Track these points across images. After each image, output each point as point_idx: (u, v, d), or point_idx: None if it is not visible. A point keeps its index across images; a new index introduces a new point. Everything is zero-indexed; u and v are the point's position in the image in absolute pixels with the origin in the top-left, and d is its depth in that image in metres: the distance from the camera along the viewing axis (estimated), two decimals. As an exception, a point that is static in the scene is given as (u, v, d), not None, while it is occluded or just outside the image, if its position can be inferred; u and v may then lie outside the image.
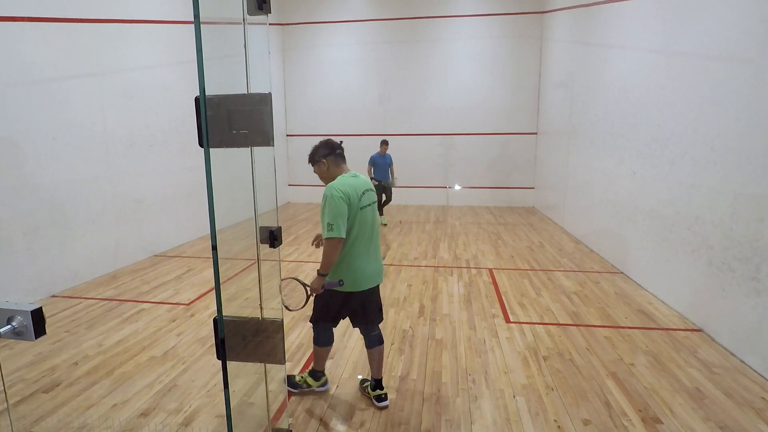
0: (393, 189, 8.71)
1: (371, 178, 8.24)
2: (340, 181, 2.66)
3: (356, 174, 2.79)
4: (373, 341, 2.92)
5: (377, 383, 2.95)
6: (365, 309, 2.83)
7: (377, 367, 2.95)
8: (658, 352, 3.61)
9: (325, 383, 3.12)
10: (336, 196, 2.56)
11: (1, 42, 4.35)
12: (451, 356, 3.58)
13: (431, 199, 10.80)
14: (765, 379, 3.22)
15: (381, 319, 2.94)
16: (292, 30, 10.68)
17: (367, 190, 2.73)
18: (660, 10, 4.83)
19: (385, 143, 8.41)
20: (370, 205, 2.74)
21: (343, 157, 2.82)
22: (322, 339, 2.96)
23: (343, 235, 2.57)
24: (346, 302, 2.79)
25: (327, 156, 2.76)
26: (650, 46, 5.00)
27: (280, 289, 2.36)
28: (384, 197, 8.64)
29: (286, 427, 2.70)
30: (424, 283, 5.31)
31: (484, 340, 3.86)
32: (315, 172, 2.82)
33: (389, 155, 8.44)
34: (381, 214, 8.39)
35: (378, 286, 2.87)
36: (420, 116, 10.54)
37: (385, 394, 2.94)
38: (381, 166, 8.44)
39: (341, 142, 2.90)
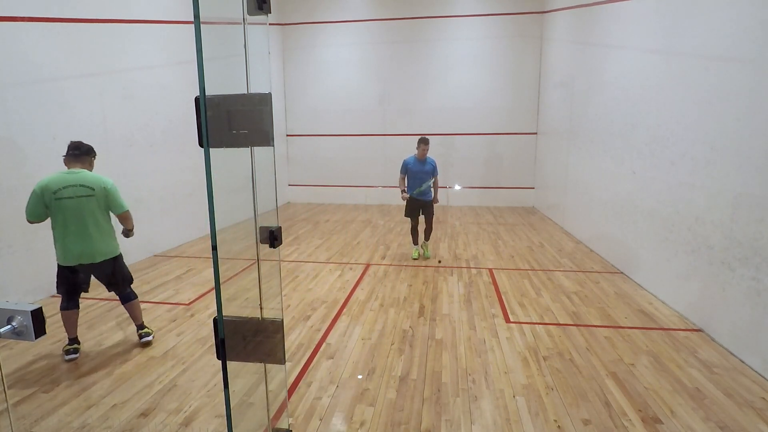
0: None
1: (403, 191, 6.07)
2: (49, 176, 3.37)
3: (74, 171, 3.44)
4: (124, 299, 3.76)
5: (140, 326, 3.81)
6: (105, 280, 3.67)
7: (135, 315, 3.79)
8: (658, 352, 3.61)
9: (71, 352, 3.56)
10: (34, 189, 3.32)
11: (1, 42, 4.35)
12: (451, 356, 3.58)
13: (431, 199, 10.79)
14: (765, 379, 3.22)
15: (123, 286, 3.73)
16: (292, 30, 10.68)
17: (69, 186, 3.35)
18: (660, 10, 4.83)
19: (424, 142, 5.91)
20: (71, 198, 3.36)
21: (73, 156, 3.49)
22: (63, 305, 3.57)
23: (29, 218, 3.36)
24: (73, 273, 3.52)
25: (65, 156, 3.51)
26: (650, 46, 5.00)
27: None
28: (423, 219, 6.28)
29: (286, 427, 2.70)
30: (424, 283, 5.31)
31: (484, 340, 3.86)
32: None
33: (432, 160, 6.09)
34: (426, 241, 6.37)
35: (103, 261, 3.56)
36: (420, 116, 10.53)
37: (146, 333, 3.80)
38: (418, 176, 5.97)
39: (75, 143, 3.56)
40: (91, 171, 3.58)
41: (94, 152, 3.63)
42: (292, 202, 11.28)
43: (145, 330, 3.82)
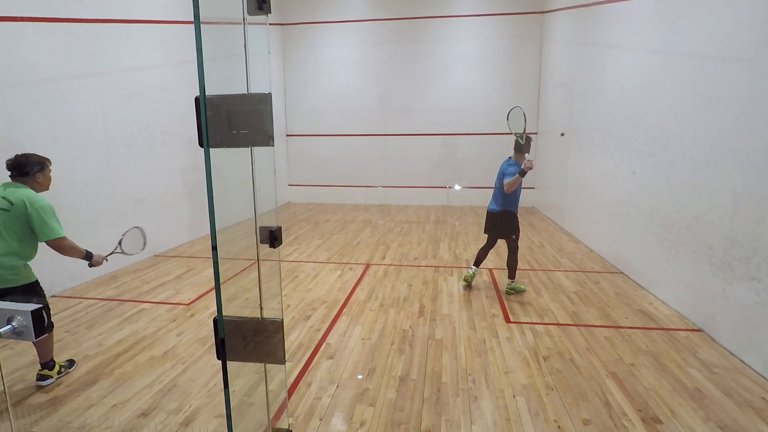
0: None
1: (501, 210, 4.87)
2: None
3: (10, 184, 3.06)
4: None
5: (45, 365, 3.24)
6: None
7: (43, 352, 3.24)
8: (658, 352, 3.61)
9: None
10: None
11: (1, 42, 4.35)
12: (451, 356, 3.58)
13: (431, 199, 10.80)
14: (765, 379, 3.22)
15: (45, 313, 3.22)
16: (292, 30, 10.68)
17: None
18: (659, 11, 4.83)
19: (528, 142, 4.73)
20: None
21: (12, 177, 3.09)
22: None
23: None
24: None
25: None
26: (650, 46, 5.00)
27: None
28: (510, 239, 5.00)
29: (286, 427, 2.70)
30: (424, 283, 5.31)
31: (484, 340, 3.86)
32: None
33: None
34: (511, 277, 4.97)
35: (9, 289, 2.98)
36: (420, 116, 10.53)
37: (46, 375, 3.22)
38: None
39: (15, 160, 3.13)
40: (37, 188, 3.12)
41: (39, 167, 3.13)
42: (292, 202, 11.28)
43: (44, 372, 3.22)
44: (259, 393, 3.03)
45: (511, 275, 4.99)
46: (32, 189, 3.09)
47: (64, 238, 3.08)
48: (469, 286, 5.18)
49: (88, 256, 3.21)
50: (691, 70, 4.22)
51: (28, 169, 3.08)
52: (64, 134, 5.01)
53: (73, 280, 5.14)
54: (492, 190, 5.17)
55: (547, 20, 9.46)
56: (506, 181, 4.60)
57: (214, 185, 1.71)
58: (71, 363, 3.44)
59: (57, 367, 3.29)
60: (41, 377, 3.20)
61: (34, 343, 3.18)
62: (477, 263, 5.13)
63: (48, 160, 3.24)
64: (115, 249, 3.29)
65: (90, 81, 5.35)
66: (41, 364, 3.24)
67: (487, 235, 5.12)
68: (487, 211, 5.05)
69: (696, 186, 4.10)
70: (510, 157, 4.85)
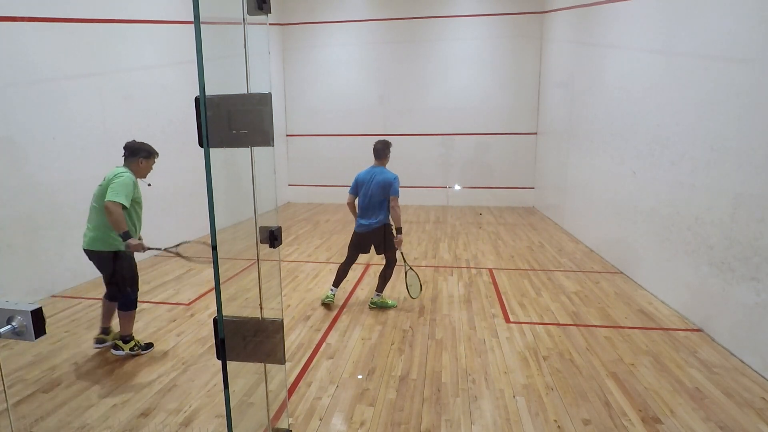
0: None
1: (382, 225, 4.58)
2: None
3: (117, 167, 3.49)
4: (118, 305, 3.61)
5: (122, 338, 3.62)
6: (104, 275, 3.61)
7: (122, 326, 3.61)
8: (658, 352, 3.61)
9: (96, 341, 3.76)
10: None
11: (1, 42, 4.35)
12: (451, 356, 3.58)
13: (431, 199, 10.80)
14: (765, 379, 3.22)
15: (121, 286, 3.54)
16: (292, 30, 10.68)
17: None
18: (660, 10, 4.83)
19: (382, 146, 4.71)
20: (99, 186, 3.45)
21: (123, 157, 3.58)
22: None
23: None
24: (89, 259, 3.55)
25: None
26: (650, 46, 5.00)
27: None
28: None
29: (286, 427, 2.70)
30: (423, 283, 5.30)
31: (484, 340, 3.86)
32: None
33: (382, 171, 4.71)
34: (380, 290, 4.61)
35: (99, 252, 3.45)
36: (420, 116, 10.53)
37: (119, 347, 3.60)
38: (363, 190, 4.67)
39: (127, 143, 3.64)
40: (135, 172, 3.50)
41: (143, 153, 3.53)
42: (292, 202, 11.28)
43: (119, 343, 3.59)
44: (259, 393, 3.03)
45: (381, 288, 4.58)
46: (133, 172, 3.46)
47: (116, 203, 3.22)
48: (329, 306, 4.59)
49: (125, 235, 3.32)
50: (691, 70, 4.22)
51: (137, 155, 3.51)
52: (64, 134, 5.01)
53: (73, 280, 5.14)
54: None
55: (547, 20, 9.46)
56: (395, 198, 4.49)
57: (214, 185, 1.71)
58: (148, 346, 3.69)
59: (132, 343, 3.60)
60: (116, 347, 3.60)
61: (118, 313, 3.58)
62: (337, 283, 4.63)
63: (156, 152, 3.63)
64: (168, 249, 3.41)
65: (90, 81, 5.35)
66: (120, 336, 3.60)
67: (348, 252, 4.67)
68: (363, 229, 4.54)
69: (696, 186, 4.10)
70: (376, 165, 4.69)
